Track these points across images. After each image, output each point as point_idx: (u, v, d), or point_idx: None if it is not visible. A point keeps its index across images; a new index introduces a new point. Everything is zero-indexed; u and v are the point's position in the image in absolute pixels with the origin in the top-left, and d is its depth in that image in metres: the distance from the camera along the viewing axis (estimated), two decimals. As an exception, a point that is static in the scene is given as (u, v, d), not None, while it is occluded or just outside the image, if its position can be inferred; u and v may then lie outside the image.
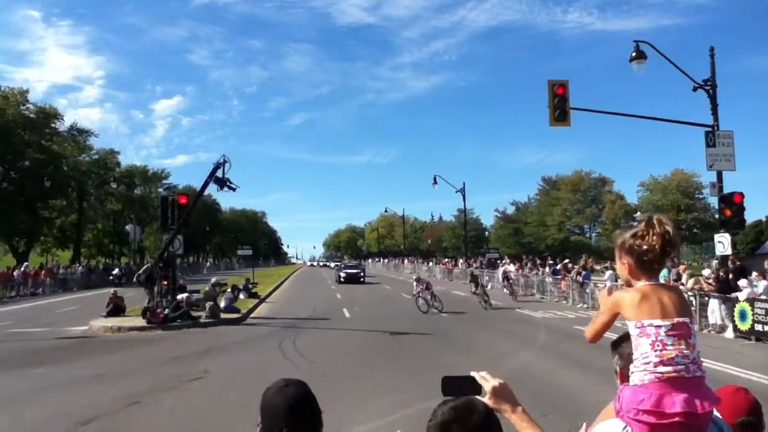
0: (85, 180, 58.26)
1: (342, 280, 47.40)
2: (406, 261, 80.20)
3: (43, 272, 41.96)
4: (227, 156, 20.05)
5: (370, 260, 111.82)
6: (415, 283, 24.97)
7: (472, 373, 2.04)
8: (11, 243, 56.72)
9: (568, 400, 9.03)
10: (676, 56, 20.08)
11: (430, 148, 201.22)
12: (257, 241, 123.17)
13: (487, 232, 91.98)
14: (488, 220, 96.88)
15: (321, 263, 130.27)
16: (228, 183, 20.11)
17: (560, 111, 19.36)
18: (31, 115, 53.49)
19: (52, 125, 56.63)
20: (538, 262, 41.41)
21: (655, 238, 1.98)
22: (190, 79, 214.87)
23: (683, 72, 20.22)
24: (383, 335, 17.13)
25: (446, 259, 68.18)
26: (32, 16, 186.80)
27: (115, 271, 48.06)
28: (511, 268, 35.52)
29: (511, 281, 31.33)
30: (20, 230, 53.94)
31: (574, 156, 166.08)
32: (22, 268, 40.18)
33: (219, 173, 19.87)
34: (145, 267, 21.81)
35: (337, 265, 70.18)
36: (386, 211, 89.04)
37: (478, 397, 1.93)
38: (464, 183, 51.10)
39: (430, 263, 67.70)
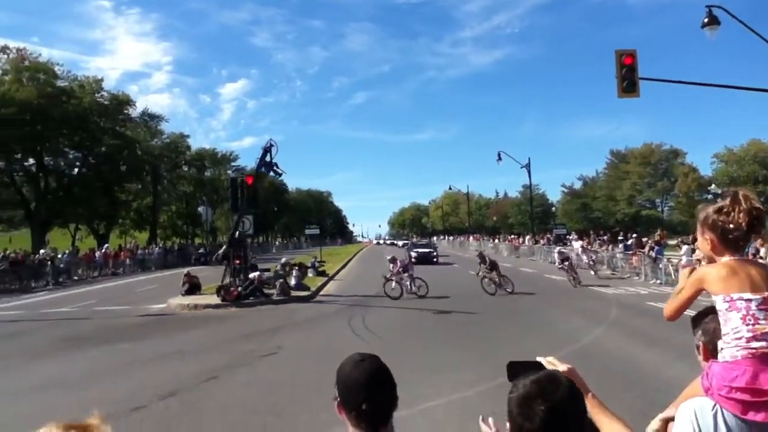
0: (158, 164, 60.49)
1: (413, 260, 42.45)
2: (471, 238, 79.69)
3: (122, 253, 43.97)
4: (274, 140, 20.37)
5: (434, 238, 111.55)
6: (480, 263, 22.62)
7: (539, 358, 2.00)
8: (92, 226, 59.58)
9: (645, 377, 8.83)
10: (752, 20, 18.90)
11: (492, 123, 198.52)
12: (323, 221, 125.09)
13: (553, 208, 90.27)
14: (554, 195, 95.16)
15: (387, 241, 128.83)
16: (275, 167, 20.42)
17: (628, 82, 18.64)
18: (106, 103, 55.67)
19: (125, 111, 58.81)
20: (607, 237, 40.34)
21: (741, 215, 1.91)
22: (254, 62, 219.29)
23: (760, 36, 19.07)
24: (451, 312, 17.15)
25: (512, 236, 67.33)
26: (103, 6, 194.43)
27: (201, 250, 50.20)
28: (577, 245, 34.60)
29: (573, 261, 29.80)
30: (100, 213, 56.59)
31: (643, 128, 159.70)
32: (104, 250, 42.29)
33: (267, 158, 20.17)
34: (224, 248, 22.48)
35: (405, 244, 67.75)
36: (450, 188, 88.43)
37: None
38: (529, 158, 50.04)
39: (496, 240, 67.02)
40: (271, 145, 20.19)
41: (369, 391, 1.91)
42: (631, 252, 28.47)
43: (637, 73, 18.68)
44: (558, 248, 30.60)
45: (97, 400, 8.43)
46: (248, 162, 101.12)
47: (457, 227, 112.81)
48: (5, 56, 50.90)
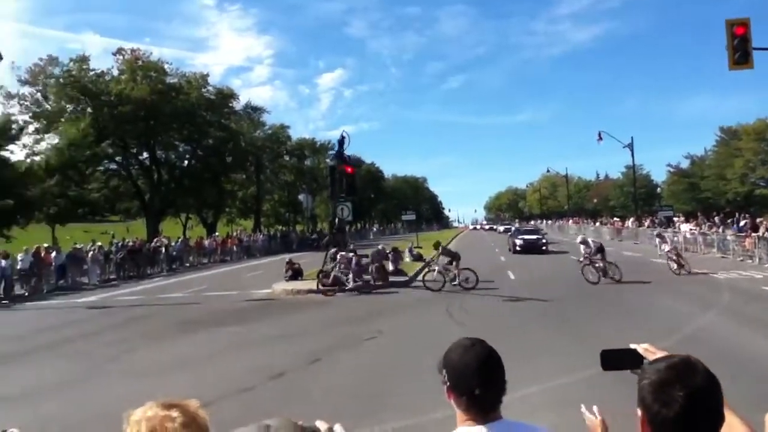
0: (261, 154, 62.81)
1: (518, 249, 36.39)
2: (570, 222, 77.37)
3: (230, 241, 46.07)
4: (346, 132, 20.75)
5: (532, 222, 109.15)
6: (581, 247, 21.11)
7: (633, 345, 1.92)
8: (201, 215, 62.85)
9: (759, 364, 8.34)
10: None
11: (592, 102, 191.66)
12: (420, 206, 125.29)
13: (658, 189, 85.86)
14: (659, 175, 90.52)
15: (486, 226, 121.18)
16: (347, 159, 20.76)
17: (741, 53, 17.39)
18: (212, 97, 58.30)
19: (230, 105, 61.35)
20: (718, 218, 37.99)
21: None
22: (350, 52, 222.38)
23: None
24: (550, 298, 16.81)
25: (614, 219, 64.78)
26: (207, 4, 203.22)
27: (314, 236, 52.31)
28: (685, 227, 32.71)
29: (677, 245, 27.90)
30: (208, 203, 59.60)
31: (756, 102, 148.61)
32: (213, 238, 44.56)
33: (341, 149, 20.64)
34: (329, 235, 23.15)
35: (507, 229, 62.86)
36: (548, 171, 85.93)
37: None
38: (632, 137, 47.94)
39: (597, 223, 64.76)
40: (344, 137, 20.62)
41: (481, 375, 1.90)
42: (744, 234, 26.67)
43: (751, 43, 17.43)
44: (657, 231, 28.95)
45: (209, 380, 8.98)
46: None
47: (556, 211, 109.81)
48: (121, 57, 54.44)
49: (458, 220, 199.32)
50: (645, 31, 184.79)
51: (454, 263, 20.58)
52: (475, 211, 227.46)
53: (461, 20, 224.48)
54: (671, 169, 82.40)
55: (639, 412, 1.57)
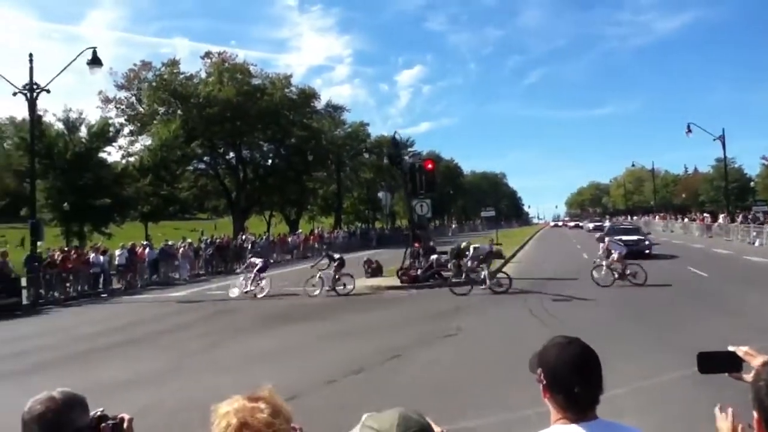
0: (341, 152, 63.70)
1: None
2: (656, 217, 74.16)
3: (311, 237, 47.03)
4: (398, 131, 20.91)
5: (615, 218, 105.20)
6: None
7: (731, 348, 1.84)
8: (284, 212, 64.47)
9: None
10: None
11: (680, 93, 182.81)
12: (498, 203, 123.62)
13: (752, 183, 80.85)
14: (753, 169, 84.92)
15: (570, 223, 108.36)
16: (398, 160, 20.77)
17: None
18: (294, 97, 59.59)
19: (311, 104, 62.55)
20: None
21: None
22: (429, 48, 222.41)
23: None
24: (636, 295, 16.22)
25: (703, 215, 61.63)
26: (289, 5, 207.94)
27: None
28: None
29: None
30: (291, 200, 61.08)
31: None
32: (296, 235, 45.64)
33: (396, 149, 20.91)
34: (410, 232, 23.24)
35: (597, 227, 56.13)
36: (633, 165, 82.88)
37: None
38: (723, 129, 45.35)
39: (685, 219, 61.84)
40: (396, 140, 20.89)
41: (581, 374, 1.88)
42: None
43: None
44: (753, 226, 26.94)
45: (293, 373, 9.22)
46: (424, 147, 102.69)
47: (641, 206, 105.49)
48: (209, 60, 56.60)
49: (538, 217, 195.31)
50: (736, 17, 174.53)
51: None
52: (556, 207, 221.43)
53: (541, 12, 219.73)
54: (766, 162, 77.45)
55: (755, 414, 1.52)
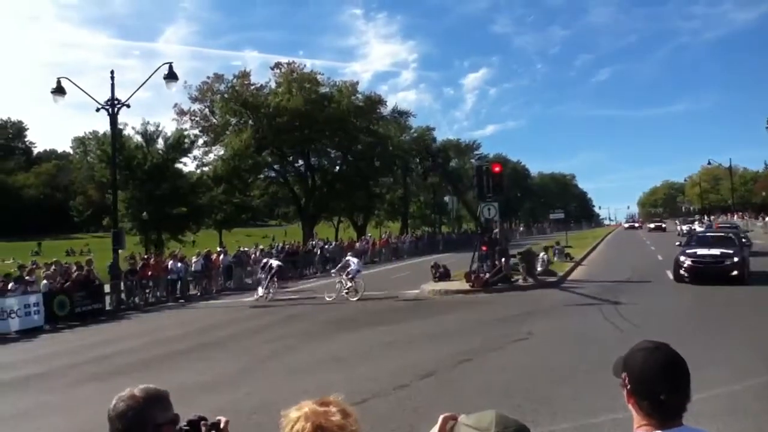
0: (408, 157, 63.80)
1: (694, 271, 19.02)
2: (735, 217, 70.63)
3: (379, 242, 47.31)
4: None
5: (722, 217, 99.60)
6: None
7: None
8: (352, 218, 65.13)
9: None
10: None
11: (758, 87, 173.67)
12: (568, 205, 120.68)
13: (837, 179, 75.80)
14: (843, 164, 79.60)
15: (651, 224, 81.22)
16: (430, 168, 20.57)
17: None
18: (360, 104, 60.15)
19: (377, 110, 62.97)
20: None
21: None
22: (494, 50, 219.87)
23: None
24: (714, 299, 15.50)
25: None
26: (356, 14, 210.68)
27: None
28: None
29: None
30: (358, 206, 61.64)
31: None
32: (365, 239, 46.01)
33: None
34: (490, 235, 22.87)
35: (688, 229, 43.80)
36: (709, 163, 79.11)
37: None
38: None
39: (766, 218, 58.71)
40: (432, 151, 20.63)
41: (671, 381, 1.85)
42: None
43: None
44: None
45: (364, 377, 9.29)
46: (490, 149, 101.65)
47: (719, 205, 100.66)
48: (278, 71, 57.93)
49: (609, 218, 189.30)
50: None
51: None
52: (628, 207, 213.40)
53: (609, 8, 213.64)
54: None
55: None
